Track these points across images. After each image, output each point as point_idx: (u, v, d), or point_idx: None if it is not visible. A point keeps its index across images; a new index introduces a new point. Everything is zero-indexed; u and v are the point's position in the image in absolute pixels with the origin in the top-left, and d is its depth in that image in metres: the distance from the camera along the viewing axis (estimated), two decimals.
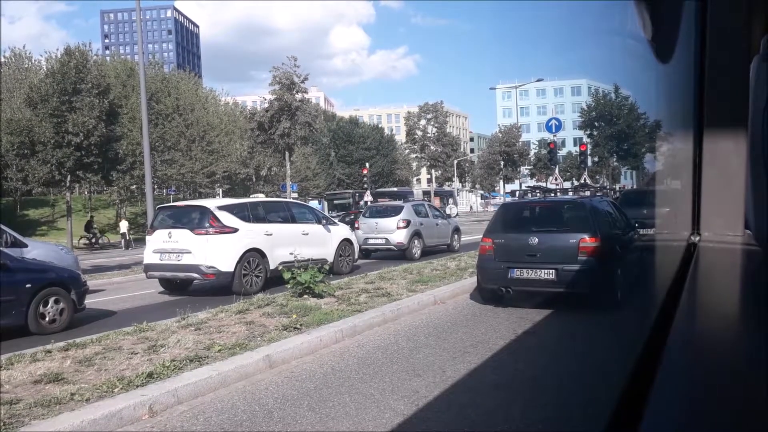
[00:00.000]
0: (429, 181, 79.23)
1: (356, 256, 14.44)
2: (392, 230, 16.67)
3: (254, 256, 11.19)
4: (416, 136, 70.06)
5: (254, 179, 48.68)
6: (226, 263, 10.73)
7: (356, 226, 17.50)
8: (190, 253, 10.75)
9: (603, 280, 7.89)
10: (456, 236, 18.95)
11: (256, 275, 11.15)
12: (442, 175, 73.49)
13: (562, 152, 56.80)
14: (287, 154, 44.11)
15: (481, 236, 9.12)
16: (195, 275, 10.91)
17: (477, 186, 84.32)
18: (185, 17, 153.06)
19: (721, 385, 1.10)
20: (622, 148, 43.88)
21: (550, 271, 8.01)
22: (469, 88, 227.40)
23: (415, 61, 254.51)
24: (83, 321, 8.73)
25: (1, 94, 30.68)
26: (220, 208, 11.32)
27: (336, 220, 15.55)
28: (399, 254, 16.58)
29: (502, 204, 15.28)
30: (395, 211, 17.36)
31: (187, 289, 11.84)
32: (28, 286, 7.91)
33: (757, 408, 0.98)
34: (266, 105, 44.42)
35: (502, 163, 71.16)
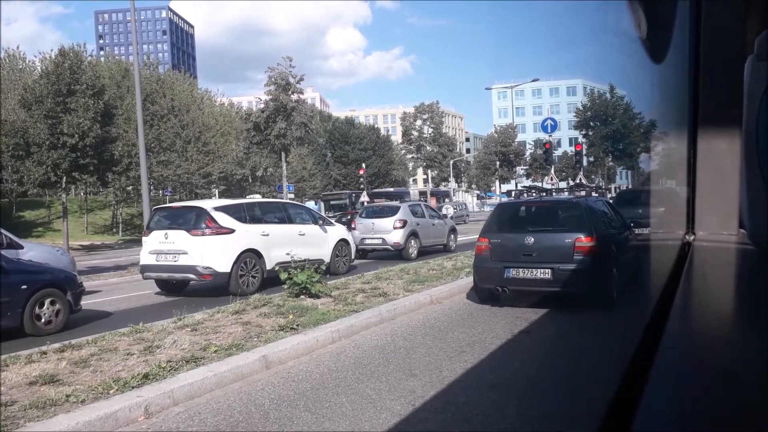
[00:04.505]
0: (425, 181, 79.25)
1: (353, 257, 14.44)
2: (389, 230, 16.68)
3: (251, 256, 11.18)
4: (412, 137, 70.05)
5: (250, 180, 48.60)
6: (223, 264, 10.72)
7: (353, 226, 17.51)
8: (186, 254, 10.73)
9: (598, 279, 7.91)
10: (452, 236, 18.98)
11: (252, 276, 11.14)
12: (438, 175, 73.52)
13: (558, 152, 56.90)
14: (283, 154, 44.06)
15: (478, 236, 9.14)
16: (191, 276, 10.89)
17: (473, 186, 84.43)
18: (180, 18, 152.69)
19: (714, 385, 1.11)
20: (617, 147, 43.92)
21: (546, 270, 8.03)
22: (464, 89, 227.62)
23: (410, 62, 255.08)
24: (79, 322, 8.70)
25: (0, 95, 30.53)
26: (217, 208, 11.30)
27: (332, 221, 15.54)
28: (396, 254, 16.60)
29: (498, 204, 15.28)
30: (392, 211, 17.38)
31: (183, 290, 11.82)
32: (23, 287, 7.88)
33: (752, 408, 0.99)
34: (262, 105, 44.34)
35: (497, 163, 71.27)
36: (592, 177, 51.91)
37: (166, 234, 11.07)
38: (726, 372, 1.16)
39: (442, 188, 64.71)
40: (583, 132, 53.06)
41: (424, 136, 69.51)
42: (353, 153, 70.86)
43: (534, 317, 7.88)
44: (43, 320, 8.03)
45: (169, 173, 39.20)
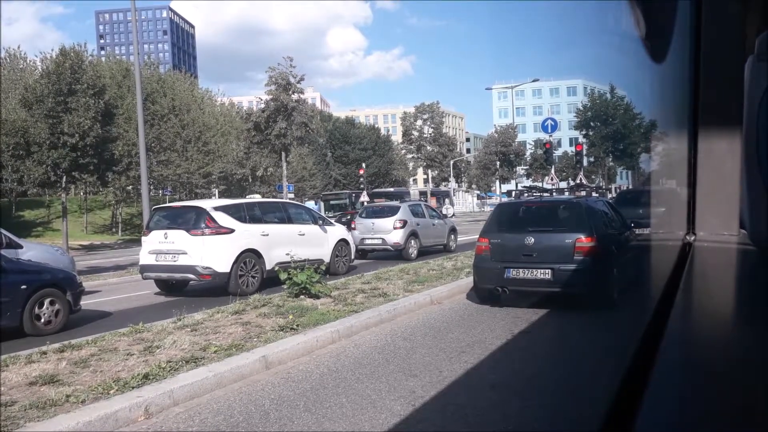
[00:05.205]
0: (425, 181, 79.27)
1: (353, 257, 14.43)
2: (389, 230, 16.67)
3: (250, 256, 11.17)
4: (412, 137, 70.03)
5: (250, 180, 48.58)
6: (222, 264, 10.71)
7: (353, 226, 17.49)
8: (186, 253, 10.72)
9: (599, 279, 7.91)
10: (452, 236, 18.96)
11: (252, 276, 11.13)
12: (439, 175, 73.53)
13: (558, 152, 56.84)
14: (283, 154, 44.02)
15: (478, 236, 9.14)
16: (191, 276, 10.88)
17: (473, 186, 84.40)
18: (181, 17, 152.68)
19: (715, 385, 1.11)
20: (617, 148, 43.83)
21: (547, 271, 8.02)
22: (465, 89, 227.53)
23: (411, 62, 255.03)
24: (79, 322, 8.70)
25: (0, 94, 30.52)
26: (216, 208, 11.30)
27: (332, 221, 15.54)
28: (396, 254, 16.59)
29: (498, 204, 15.27)
30: (392, 211, 17.36)
31: (183, 290, 11.81)
32: (23, 287, 7.88)
33: (752, 408, 0.98)
34: (262, 105, 44.31)
35: (498, 163, 71.21)
36: (593, 177, 51.84)
37: (165, 234, 11.07)
38: (726, 372, 1.15)
39: (442, 188, 64.70)
40: (584, 132, 52.92)
41: (425, 136, 69.47)
42: (353, 153, 70.87)
43: (534, 317, 7.88)
44: (42, 320, 8.03)
45: (169, 173, 39.19)
